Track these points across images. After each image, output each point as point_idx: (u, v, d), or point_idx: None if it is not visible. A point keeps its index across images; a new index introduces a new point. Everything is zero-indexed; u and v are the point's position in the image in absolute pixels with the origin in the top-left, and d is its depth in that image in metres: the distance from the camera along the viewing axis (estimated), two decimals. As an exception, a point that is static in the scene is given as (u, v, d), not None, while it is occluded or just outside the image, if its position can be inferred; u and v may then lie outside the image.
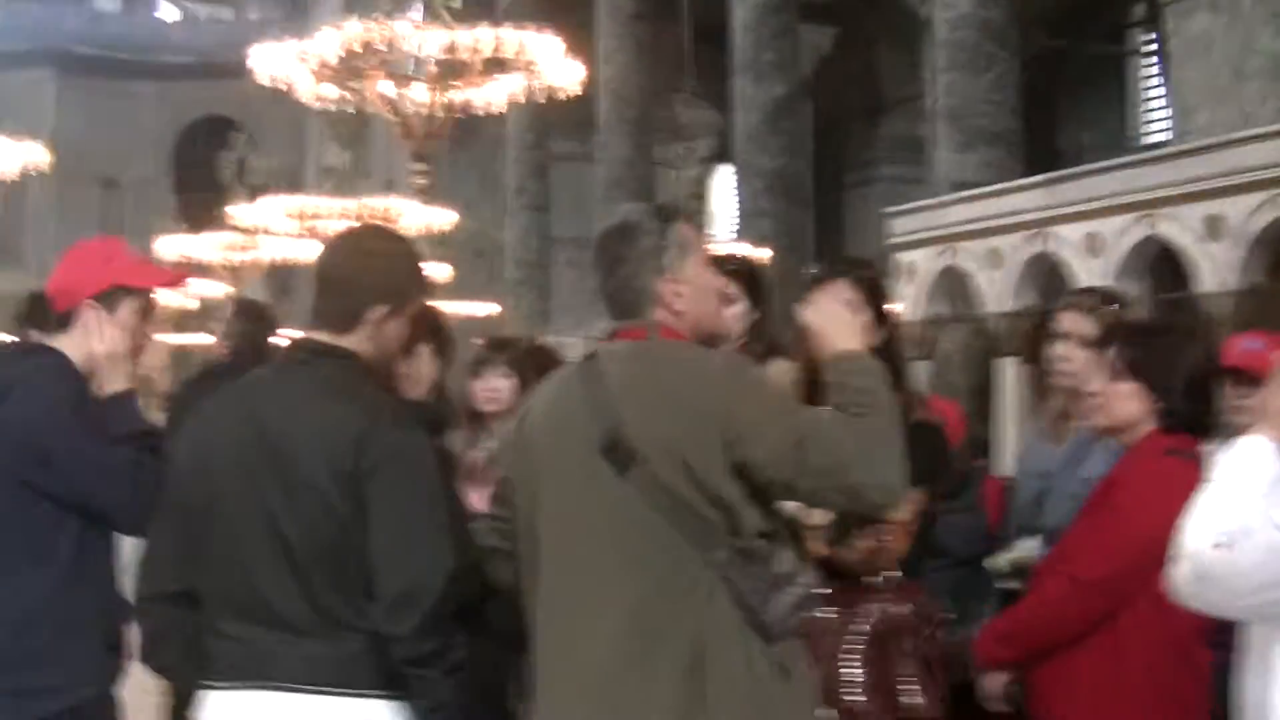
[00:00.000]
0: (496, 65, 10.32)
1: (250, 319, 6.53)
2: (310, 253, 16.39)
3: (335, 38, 9.74)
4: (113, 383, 3.84)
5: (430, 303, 3.54)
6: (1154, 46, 30.21)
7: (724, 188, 36.11)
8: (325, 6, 38.04)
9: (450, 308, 20.61)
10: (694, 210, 21.24)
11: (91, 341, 3.80)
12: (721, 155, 30.95)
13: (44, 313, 4.25)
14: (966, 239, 13.99)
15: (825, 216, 27.45)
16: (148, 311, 3.97)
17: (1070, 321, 4.62)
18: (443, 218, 15.57)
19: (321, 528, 3.15)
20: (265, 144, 27.72)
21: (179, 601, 3.35)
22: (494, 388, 5.38)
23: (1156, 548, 3.42)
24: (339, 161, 16.33)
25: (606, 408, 3.18)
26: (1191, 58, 13.51)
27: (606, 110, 25.20)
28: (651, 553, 3.08)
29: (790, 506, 3.73)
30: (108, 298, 3.84)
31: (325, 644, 3.17)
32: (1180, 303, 12.25)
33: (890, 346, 4.06)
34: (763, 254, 19.20)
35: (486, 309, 22.01)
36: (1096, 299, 4.71)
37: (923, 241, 14.46)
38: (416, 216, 15.50)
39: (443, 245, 20.87)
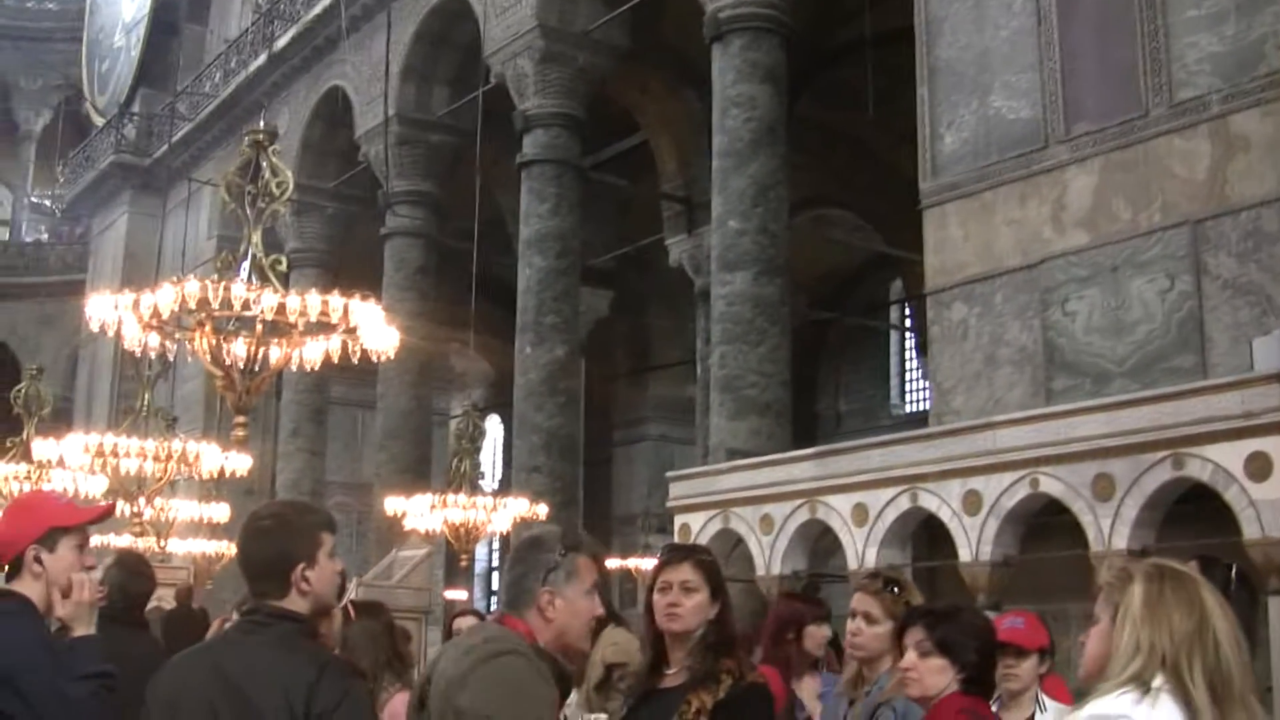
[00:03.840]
0: (320, 326, 10.79)
1: (126, 570, 6.88)
2: (98, 487, 16.51)
3: (173, 293, 10.15)
4: (79, 627, 4.37)
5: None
6: (909, 324, 31.76)
7: (494, 438, 36.75)
8: (106, 230, 38.09)
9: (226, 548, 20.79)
10: (466, 459, 21.60)
11: (45, 584, 4.33)
12: (494, 407, 31.61)
13: None
14: (740, 504, 14.52)
15: (593, 472, 28.10)
16: (83, 545, 4.49)
17: (860, 602, 5.33)
18: (239, 463, 15.87)
19: None
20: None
21: None
22: None
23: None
24: (139, 402, 16.54)
25: (431, 664, 4.03)
26: (949, 343, 14.38)
27: (387, 359, 25.60)
28: None
29: None
30: (47, 540, 4.38)
31: None
32: (939, 570, 12.94)
33: (723, 618, 4.75)
34: (539, 509, 19.77)
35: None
36: (880, 583, 5.40)
37: (699, 505, 14.97)
38: (214, 460, 15.83)
39: (216, 486, 20.99)
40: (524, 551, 4.17)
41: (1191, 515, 10.81)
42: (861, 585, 5.46)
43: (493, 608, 32.81)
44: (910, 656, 4.53)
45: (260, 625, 3.88)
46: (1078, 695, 6.53)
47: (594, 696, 5.36)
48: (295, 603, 3.89)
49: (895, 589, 5.27)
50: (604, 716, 4.68)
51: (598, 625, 5.59)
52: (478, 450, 22.21)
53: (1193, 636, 3.01)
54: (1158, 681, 2.97)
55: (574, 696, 5.51)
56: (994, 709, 6.02)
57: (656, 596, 4.73)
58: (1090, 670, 3.20)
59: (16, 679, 4.12)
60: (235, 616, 4.33)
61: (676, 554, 4.90)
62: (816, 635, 6.76)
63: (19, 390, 17.79)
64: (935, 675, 4.48)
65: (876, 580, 5.39)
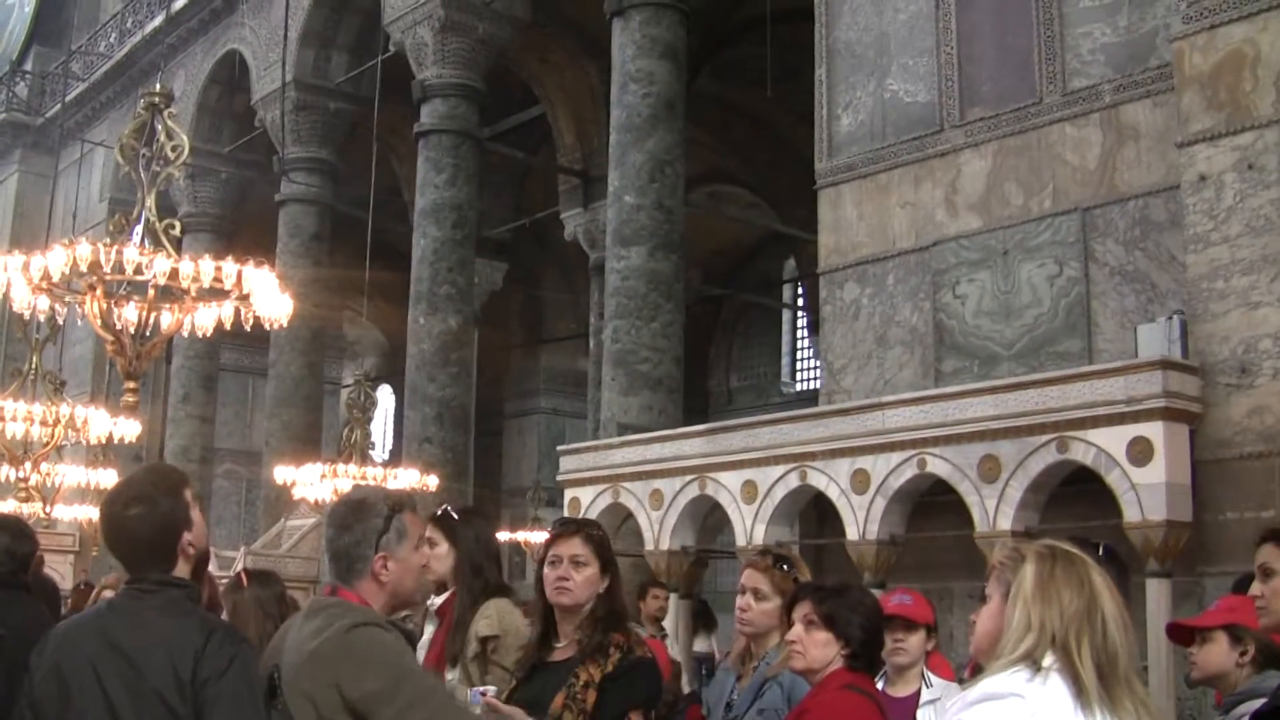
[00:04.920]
0: (213, 293, 10.69)
1: (8, 533, 6.79)
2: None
3: (64, 255, 10.00)
4: None
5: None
6: (800, 301, 31.94)
7: (385, 407, 36.58)
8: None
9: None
10: (357, 429, 21.52)
11: None
12: (386, 377, 31.45)
13: None
14: (631, 479, 14.58)
15: (485, 443, 28.09)
16: None
17: (749, 578, 5.38)
18: (128, 428, 15.69)
19: None
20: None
21: None
22: None
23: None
24: (27, 365, 16.31)
25: (276, 650, 3.97)
26: (840, 323, 14.50)
27: (280, 326, 25.42)
28: None
29: None
30: None
31: None
32: (827, 548, 13.08)
33: (613, 592, 4.79)
34: (429, 480, 19.74)
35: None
36: (769, 560, 5.44)
37: (589, 479, 15.01)
38: (103, 425, 15.66)
39: (104, 452, 20.75)
40: (350, 519, 4.09)
41: (1075, 497, 11.00)
42: (751, 562, 5.52)
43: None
44: (796, 630, 4.62)
45: (147, 592, 3.86)
46: (960, 672, 6.68)
47: (472, 669, 5.38)
48: (181, 569, 3.89)
49: (785, 566, 5.33)
50: (493, 688, 4.70)
51: (481, 595, 5.63)
52: (369, 420, 22.14)
53: (1082, 617, 3.08)
54: (1048, 660, 3.05)
55: (452, 674, 5.52)
56: (880, 685, 6.14)
57: (547, 570, 4.76)
58: (981, 647, 3.27)
59: None
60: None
61: (567, 528, 4.92)
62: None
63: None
64: (820, 649, 4.56)
65: (766, 557, 5.44)
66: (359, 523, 4.06)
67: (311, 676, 3.77)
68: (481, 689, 4.64)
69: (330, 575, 4.08)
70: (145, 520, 3.89)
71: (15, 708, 3.86)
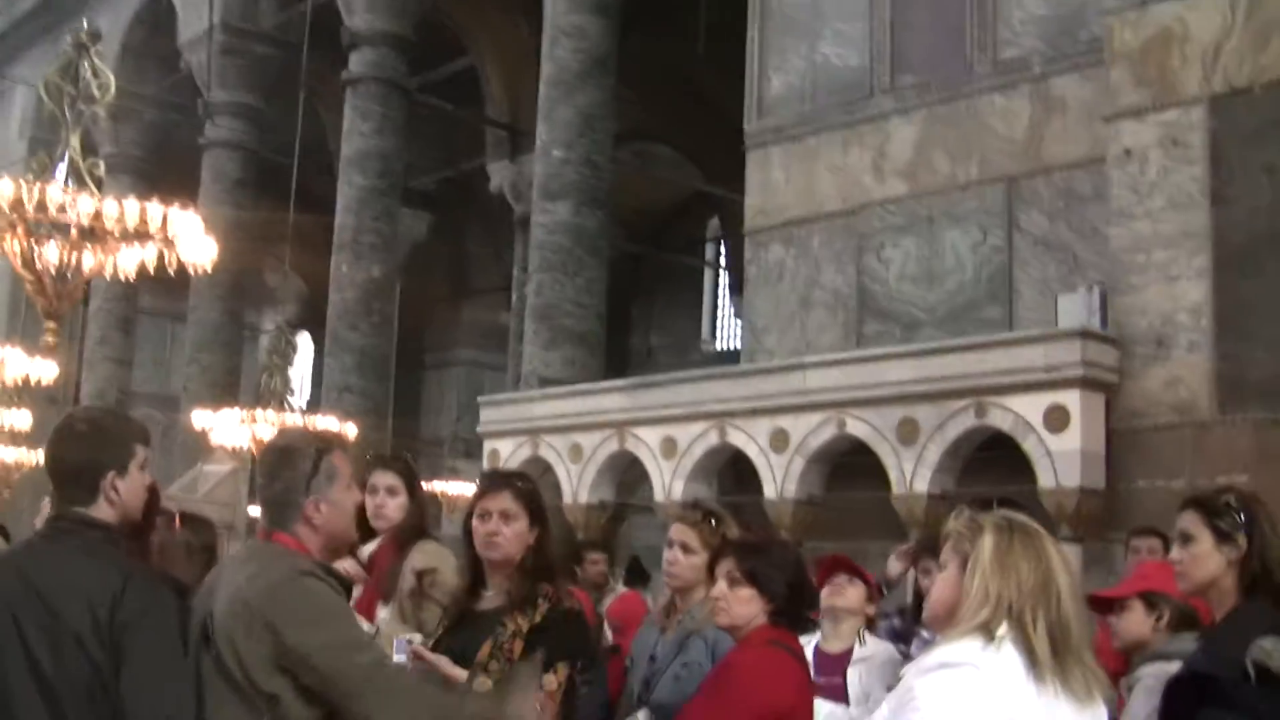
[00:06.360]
0: (135, 234, 10.60)
1: None
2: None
3: (-16, 192, 9.87)
4: None
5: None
6: (726, 261, 32.00)
7: (305, 355, 36.37)
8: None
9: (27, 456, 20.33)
10: (276, 375, 21.37)
11: None
12: (306, 325, 31.25)
13: None
14: (551, 432, 14.63)
15: (404, 394, 28.01)
16: None
17: (678, 532, 5.36)
18: (44, 370, 15.50)
19: (81, 673, 3.57)
20: None
21: None
22: None
23: (763, 718, 4.29)
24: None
25: (210, 594, 3.92)
26: (765, 284, 14.60)
27: (202, 271, 25.24)
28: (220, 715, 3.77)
29: (459, 673, 4.45)
30: None
31: None
32: (744, 506, 13.15)
33: (541, 545, 4.81)
34: (348, 428, 19.67)
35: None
36: (699, 515, 5.46)
37: (510, 431, 15.03)
38: (18, 366, 15.46)
39: (19, 394, 20.51)
40: (278, 466, 4.07)
41: (991, 462, 11.15)
42: (680, 516, 5.53)
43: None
44: (721, 586, 4.65)
45: (65, 532, 3.86)
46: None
47: (407, 605, 5.41)
48: (103, 511, 3.87)
49: (714, 521, 5.36)
50: (419, 636, 4.73)
51: (407, 537, 5.67)
52: (289, 367, 22.01)
53: (1038, 590, 3.16)
54: (1002, 630, 3.13)
55: (385, 611, 5.55)
56: (817, 639, 6.22)
57: (476, 523, 4.75)
58: (936, 614, 3.34)
59: None
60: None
61: (496, 481, 4.93)
62: None
63: None
64: (744, 605, 4.60)
65: (696, 511, 5.47)
66: (288, 468, 4.03)
67: (247, 623, 3.74)
68: (408, 637, 4.66)
69: (264, 522, 4.06)
70: (83, 441, 3.92)
71: None
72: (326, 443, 4.17)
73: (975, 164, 12.98)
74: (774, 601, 4.59)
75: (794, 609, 4.68)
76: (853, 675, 6.21)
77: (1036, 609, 3.15)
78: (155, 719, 3.58)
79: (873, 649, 6.35)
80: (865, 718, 5.52)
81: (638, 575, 14.31)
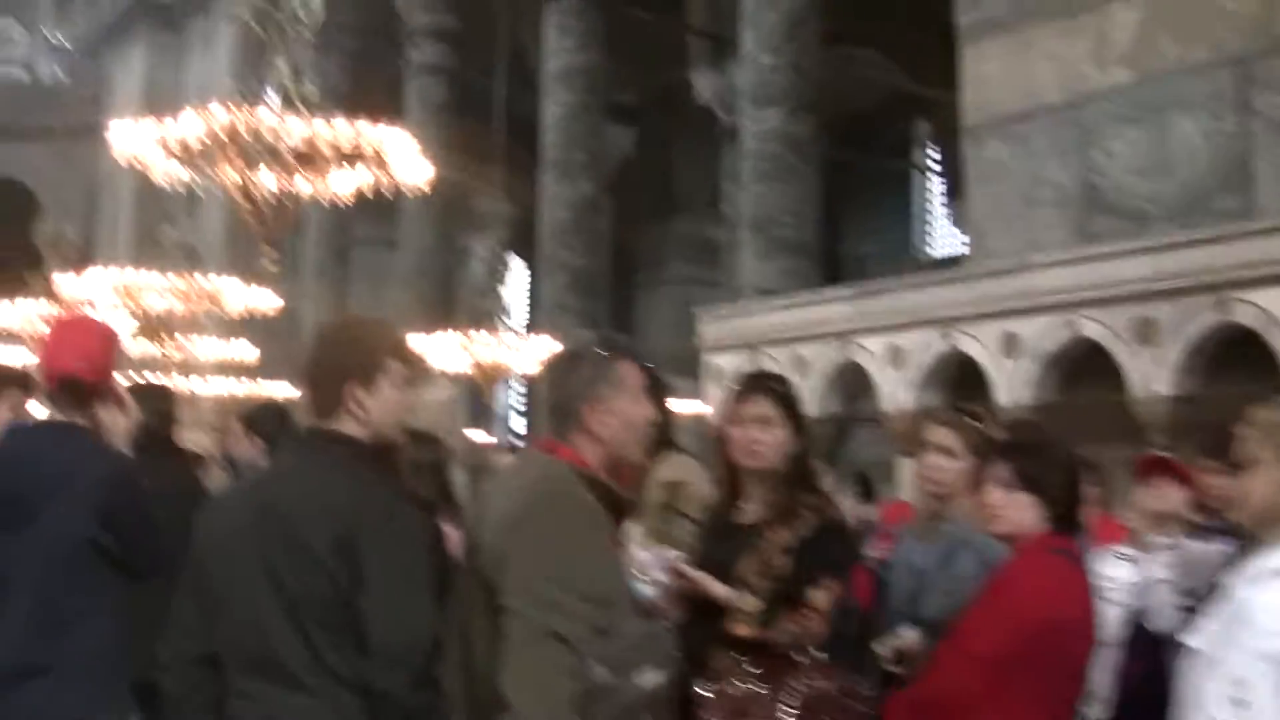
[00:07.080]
0: (348, 157, 10.54)
1: (155, 396, 6.85)
2: (127, 326, 16.28)
3: (198, 121, 9.89)
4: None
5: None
6: (937, 164, 31.38)
7: (518, 278, 36.59)
8: (125, 71, 37.60)
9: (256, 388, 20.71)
10: (490, 298, 21.43)
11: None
12: (515, 246, 31.35)
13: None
14: (772, 345, 14.43)
15: (618, 313, 28.01)
16: None
17: (937, 435, 5.11)
18: (266, 300, 15.70)
19: (320, 588, 3.48)
20: (57, 212, 27.36)
21: (201, 665, 3.68)
22: None
23: (1047, 631, 4.04)
24: (167, 240, 16.36)
25: (481, 507, 3.79)
26: (984, 183, 14.18)
27: (415, 192, 25.44)
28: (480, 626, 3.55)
29: (724, 591, 4.28)
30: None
31: (326, 700, 3.47)
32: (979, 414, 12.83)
33: (804, 454, 4.61)
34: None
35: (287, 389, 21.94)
36: (962, 417, 5.23)
37: (729, 345, 14.88)
38: (239, 297, 15.68)
39: (246, 326, 20.80)
40: (561, 372, 3.87)
41: (1235, 361, 10.71)
42: (943, 419, 5.28)
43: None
44: (996, 493, 4.37)
45: (310, 447, 3.78)
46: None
47: (657, 520, 5.25)
48: (348, 425, 3.71)
49: (977, 422, 5.10)
50: (676, 553, 4.58)
51: (654, 450, 5.47)
52: (503, 288, 22.08)
53: None
54: None
55: (636, 529, 5.38)
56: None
57: (734, 431, 4.58)
58: (1261, 516, 3.06)
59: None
60: None
61: (752, 385, 4.74)
62: None
63: (42, 229, 17.58)
64: (1022, 511, 4.32)
65: (958, 413, 5.21)
66: (569, 373, 3.84)
67: (504, 538, 3.56)
68: (668, 553, 4.52)
69: (549, 431, 3.89)
70: (330, 348, 3.85)
71: (179, 569, 3.81)
72: (615, 346, 3.97)
73: (1203, 46, 12.40)
74: (1055, 507, 4.31)
75: (1074, 514, 4.41)
76: (1143, 567, 5.66)
77: None
78: (395, 637, 3.47)
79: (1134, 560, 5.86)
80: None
81: (863, 487, 14.08)
